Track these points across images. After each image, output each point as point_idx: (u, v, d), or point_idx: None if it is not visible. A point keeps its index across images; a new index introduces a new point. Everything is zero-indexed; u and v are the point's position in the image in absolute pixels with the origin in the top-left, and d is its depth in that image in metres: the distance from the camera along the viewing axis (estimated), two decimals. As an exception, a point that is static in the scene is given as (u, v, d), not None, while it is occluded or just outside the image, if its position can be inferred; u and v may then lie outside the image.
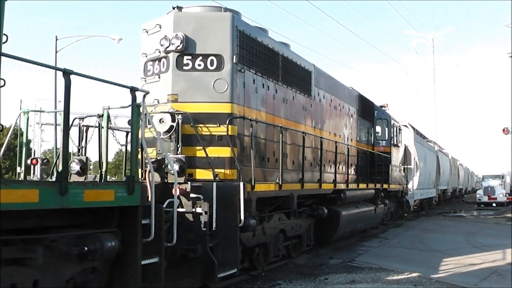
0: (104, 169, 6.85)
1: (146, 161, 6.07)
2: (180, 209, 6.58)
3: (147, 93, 5.86)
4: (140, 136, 5.56)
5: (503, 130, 30.06)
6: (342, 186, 12.34)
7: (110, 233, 4.85)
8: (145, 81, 8.50)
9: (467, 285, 8.37)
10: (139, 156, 6.68)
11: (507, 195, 34.50)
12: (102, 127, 6.78)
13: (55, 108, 21.00)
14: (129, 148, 7.64)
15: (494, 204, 32.78)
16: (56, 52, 24.14)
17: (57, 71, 4.36)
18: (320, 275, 8.96)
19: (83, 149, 7.64)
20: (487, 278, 9.04)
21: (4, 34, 4.41)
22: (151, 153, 7.79)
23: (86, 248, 4.56)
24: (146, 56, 8.54)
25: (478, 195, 34.79)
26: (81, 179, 7.33)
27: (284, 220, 9.54)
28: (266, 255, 8.93)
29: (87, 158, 7.48)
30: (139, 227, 5.14)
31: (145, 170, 6.64)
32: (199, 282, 7.00)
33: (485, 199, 33.31)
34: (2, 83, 4.28)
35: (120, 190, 4.89)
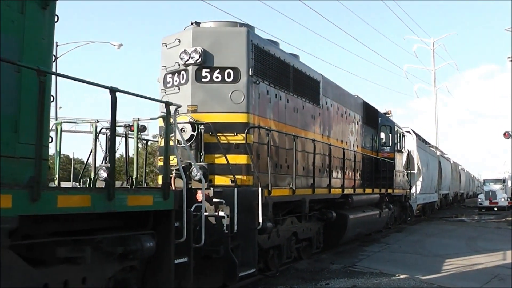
0: (134, 176, 7.33)
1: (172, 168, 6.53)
2: (205, 213, 7.05)
3: (179, 106, 6.34)
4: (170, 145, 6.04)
5: (504, 134, 30.36)
6: (350, 191, 12.83)
7: (148, 235, 5.33)
8: (165, 92, 9.00)
9: None
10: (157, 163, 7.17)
11: (508, 199, 34.50)
12: (130, 137, 7.26)
13: (56, 114, 21.59)
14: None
15: (495, 209, 32.78)
16: (57, 58, 24.65)
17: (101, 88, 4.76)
18: (321, 280, 8.95)
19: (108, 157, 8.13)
20: (489, 283, 9.04)
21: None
22: (172, 160, 8.28)
23: (129, 248, 5.04)
24: (166, 69, 9.04)
25: (479, 200, 34.82)
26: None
27: (296, 224, 10.03)
28: (279, 257, 9.41)
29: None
30: (172, 229, 5.62)
31: (171, 177, 7.16)
32: (220, 282, 7.46)
33: (487, 203, 33.39)
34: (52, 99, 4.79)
35: (157, 196, 5.38)
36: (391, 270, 9.92)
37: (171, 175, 7.02)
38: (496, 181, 36.55)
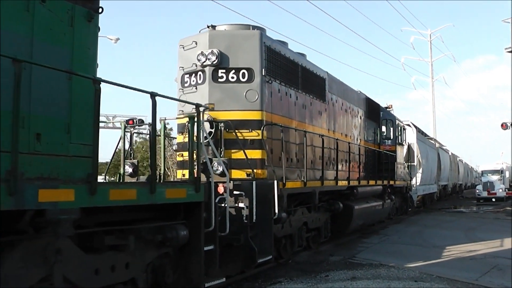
0: (162, 171, 7.89)
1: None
2: (225, 205, 7.61)
3: (207, 108, 6.89)
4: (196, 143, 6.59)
5: (502, 125, 30.90)
6: (355, 183, 13.40)
7: (182, 224, 5.90)
8: (183, 91, 9.53)
9: (467, 280, 8.36)
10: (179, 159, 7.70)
11: (506, 190, 34.86)
12: (158, 135, 7.80)
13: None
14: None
15: (493, 199, 33.02)
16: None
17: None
18: (320, 272, 8.99)
19: (133, 153, 8.70)
20: (488, 273, 9.09)
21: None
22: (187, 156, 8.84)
23: (166, 236, 5.61)
24: (183, 70, 9.58)
25: (477, 191, 35.13)
26: (133, 179, 8.39)
27: (306, 214, 10.61)
28: (291, 245, 10.00)
29: (138, 161, 8.52)
30: (202, 219, 6.18)
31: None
32: (239, 268, 8.04)
33: (485, 194, 33.64)
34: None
35: (190, 189, 5.94)
36: (391, 261, 9.95)
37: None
38: (494, 171, 36.49)
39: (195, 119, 6.54)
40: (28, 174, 4.31)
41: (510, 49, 23.42)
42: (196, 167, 6.38)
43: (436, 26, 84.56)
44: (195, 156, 6.39)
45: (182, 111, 9.35)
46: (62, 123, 4.89)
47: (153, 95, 5.19)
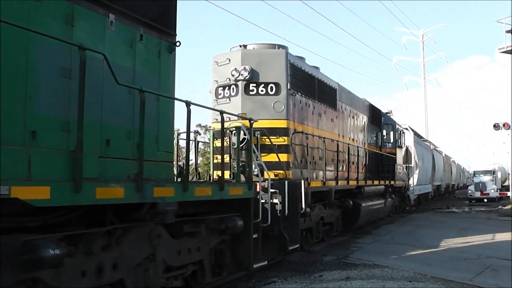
0: (210, 172, 9.24)
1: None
2: (262, 201, 8.97)
3: (255, 121, 8.23)
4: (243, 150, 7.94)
5: (494, 126, 30.72)
6: (362, 182, 14.82)
7: (238, 216, 7.24)
8: (217, 102, 10.87)
9: (461, 280, 8.36)
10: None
11: (498, 190, 34.78)
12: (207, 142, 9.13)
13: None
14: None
15: (485, 200, 33.01)
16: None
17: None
18: (314, 272, 9.01)
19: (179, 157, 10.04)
20: (482, 273, 9.11)
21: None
22: (227, 158, 10.19)
23: (227, 225, 6.95)
24: (217, 83, 10.92)
25: (469, 191, 35.12)
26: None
27: (322, 210, 12.00)
28: (311, 237, 11.38)
29: (183, 164, 9.84)
30: (251, 212, 7.54)
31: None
32: (272, 255, 9.38)
33: (477, 194, 33.60)
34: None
35: (245, 187, 7.31)
36: (384, 262, 10.00)
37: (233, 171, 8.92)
38: (486, 172, 36.53)
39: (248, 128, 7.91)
40: (132, 176, 5.64)
41: (504, 50, 23.43)
42: (241, 169, 7.71)
43: (428, 26, 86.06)
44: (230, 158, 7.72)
45: (216, 119, 10.68)
46: (154, 136, 6.21)
47: (188, 103, 6.40)
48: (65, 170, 4.45)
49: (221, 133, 7.63)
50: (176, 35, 6.69)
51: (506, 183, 41.89)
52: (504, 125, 30.33)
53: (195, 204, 6.80)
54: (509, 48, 22.65)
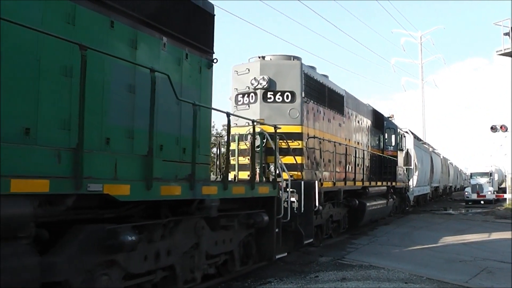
0: (235, 173, 10.20)
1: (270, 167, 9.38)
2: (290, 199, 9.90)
3: (279, 128, 9.19)
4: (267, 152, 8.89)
5: (491, 128, 31.03)
6: (367, 183, 15.81)
7: (264, 212, 8.19)
8: (236, 108, 11.81)
9: (457, 283, 8.33)
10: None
11: (495, 192, 34.85)
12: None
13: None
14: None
15: (482, 202, 32.90)
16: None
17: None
18: (310, 272, 9.01)
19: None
20: (477, 275, 9.11)
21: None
22: (244, 160, 11.15)
23: (256, 220, 7.91)
24: (237, 90, 11.87)
25: (466, 193, 35.05)
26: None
27: (331, 208, 12.98)
28: (321, 233, 12.35)
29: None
30: (275, 209, 8.50)
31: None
32: (288, 249, 10.33)
33: (474, 196, 33.51)
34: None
35: (270, 187, 8.27)
36: (380, 263, 10.04)
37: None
38: (482, 174, 36.76)
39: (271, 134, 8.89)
40: (179, 176, 6.60)
41: (502, 52, 23.20)
42: (259, 171, 8.66)
43: (426, 28, 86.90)
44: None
45: (236, 123, 11.64)
46: (196, 142, 7.16)
47: (228, 114, 7.36)
48: (138, 171, 5.38)
49: (258, 141, 8.57)
50: (213, 53, 7.67)
51: (503, 185, 42.09)
52: (501, 127, 30.72)
53: (227, 201, 7.76)
54: (507, 51, 22.80)
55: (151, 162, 5.35)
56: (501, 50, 23.22)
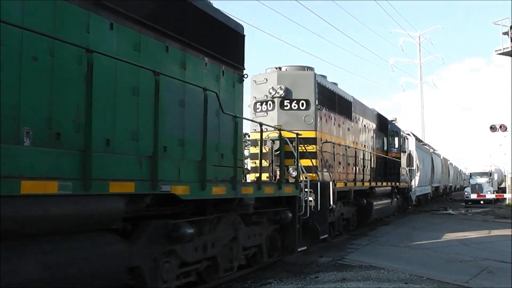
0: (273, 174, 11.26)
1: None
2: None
3: (300, 134, 10.20)
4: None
5: (491, 127, 30.98)
6: (374, 184, 16.83)
7: (287, 210, 9.19)
8: (255, 115, 12.81)
9: (458, 283, 8.30)
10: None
11: (494, 192, 34.84)
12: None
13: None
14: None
15: (481, 202, 32.89)
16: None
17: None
18: (310, 273, 9.00)
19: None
20: (478, 276, 9.09)
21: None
22: (264, 163, 12.14)
23: (281, 217, 8.91)
24: (255, 99, 12.87)
25: (465, 193, 35.09)
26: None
27: (342, 207, 13.99)
28: (333, 230, 13.36)
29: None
30: (297, 207, 9.49)
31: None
32: (306, 243, 11.31)
33: (474, 196, 33.48)
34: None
35: (293, 187, 9.27)
36: (380, 263, 10.04)
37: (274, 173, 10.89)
38: (482, 174, 36.88)
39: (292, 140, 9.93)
40: (219, 178, 7.58)
41: (501, 51, 23.06)
42: (278, 173, 9.65)
43: (425, 28, 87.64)
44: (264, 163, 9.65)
45: (255, 129, 12.63)
46: (232, 148, 8.16)
47: (261, 124, 8.36)
48: (193, 174, 6.36)
49: (276, 145, 9.54)
50: (244, 69, 8.67)
51: (502, 185, 42.30)
52: (500, 126, 30.76)
53: (258, 199, 8.75)
54: (506, 50, 22.97)
55: (205, 166, 6.34)
56: (500, 50, 23.28)
